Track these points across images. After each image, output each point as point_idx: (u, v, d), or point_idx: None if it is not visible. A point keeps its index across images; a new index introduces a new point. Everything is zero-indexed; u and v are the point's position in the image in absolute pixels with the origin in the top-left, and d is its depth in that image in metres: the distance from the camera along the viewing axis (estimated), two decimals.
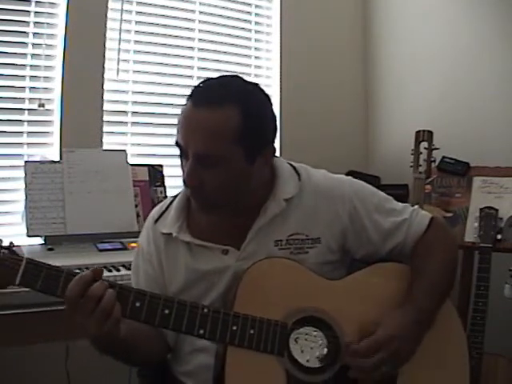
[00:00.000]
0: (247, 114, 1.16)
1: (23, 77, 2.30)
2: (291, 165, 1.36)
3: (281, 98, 2.98)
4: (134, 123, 2.59)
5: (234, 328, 1.15)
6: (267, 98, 1.25)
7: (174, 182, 2.22)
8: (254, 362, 1.16)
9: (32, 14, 2.30)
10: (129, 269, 1.66)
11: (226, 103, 1.15)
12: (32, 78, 2.32)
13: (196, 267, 1.29)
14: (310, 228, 1.30)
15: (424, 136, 2.24)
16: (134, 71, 2.59)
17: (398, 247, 1.36)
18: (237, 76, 1.27)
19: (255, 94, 1.23)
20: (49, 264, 1.11)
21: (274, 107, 1.27)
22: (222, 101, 1.15)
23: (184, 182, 1.21)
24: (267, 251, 1.27)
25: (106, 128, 2.47)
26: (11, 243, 1.12)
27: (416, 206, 1.43)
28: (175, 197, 1.37)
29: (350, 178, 1.40)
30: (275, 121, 1.26)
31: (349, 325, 1.22)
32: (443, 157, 2.36)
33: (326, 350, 1.20)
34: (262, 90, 1.25)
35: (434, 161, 2.26)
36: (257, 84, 1.26)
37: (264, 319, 1.17)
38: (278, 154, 3.08)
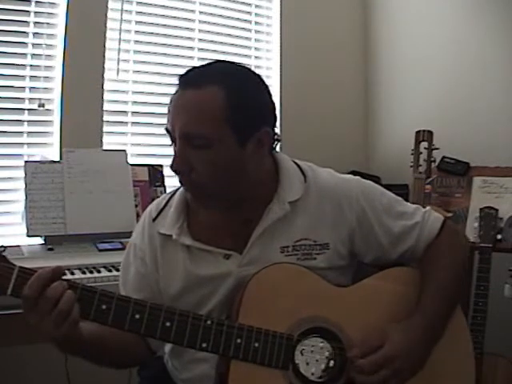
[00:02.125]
0: (231, 92, 1.12)
1: (23, 77, 2.30)
2: (296, 164, 1.30)
3: (281, 98, 2.97)
4: (134, 123, 2.59)
5: (239, 341, 1.11)
6: (259, 79, 1.20)
7: (174, 182, 2.22)
8: (257, 376, 1.12)
9: (32, 14, 2.30)
10: None
11: (210, 83, 1.13)
12: (32, 77, 2.32)
13: (196, 272, 1.23)
14: (318, 233, 1.25)
15: (424, 136, 2.24)
16: (134, 71, 2.59)
17: (409, 251, 1.30)
18: (224, 60, 1.25)
19: (242, 74, 1.19)
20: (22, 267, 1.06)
21: (269, 90, 1.21)
22: (205, 81, 1.13)
23: (171, 167, 1.16)
24: (272, 257, 1.21)
25: (105, 128, 2.47)
26: (2, 249, 1.09)
27: (428, 208, 1.37)
28: (173, 193, 1.31)
29: (358, 178, 1.34)
30: (270, 103, 1.21)
31: (357, 335, 1.17)
32: (443, 157, 2.36)
33: (332, 362, 1.16)
34: (253, 72, 1.21)
35: (434, 161, 2.26)
36: (248, 68, 1.23)
37: (269, 331, 1.13)
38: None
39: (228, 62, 1.24)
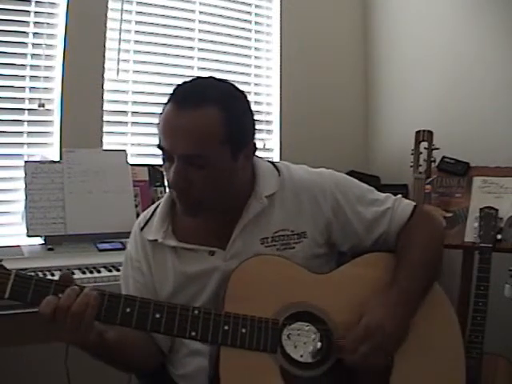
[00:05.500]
0: (227, 112, 1.17)
1: (23, 77, 2.31)
2: (271, 162, 1.37)
3: (281, 98, 2.98)
4: (134, 123, 2.59)
5: (226, 328, 1.15)
6: (243, 95, 1.26)
7: None
8: (247, 360, 1.16)
9: (32, 14, 2.30)
10: None
11: (207, 104, 1.16)
12: (32, 77, 2.32)
13: (184, 271, 1.29)
14: (295, 223, 1.30)
15: (424, 136, 2.24)
16: (134, 71, 2.59)
17: (382, 237, 1.36)
18: (211, 77, 1.27)
19: (232, 92, 1.24)
20: (37, 276, 1.12)
21: (250, 104, 1.27)
22: (202, 102, 1.16)
23: (170, 185, 1.21)
24: (253, 250, 1.27)
25: (106, 128, 2.47)
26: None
27: (399, 196, 1.43)
28: (159, 203, 1.37)
29: (331, 171, 1.40)
30: (253, 118, 1.27)
31: (340, 317, 1.22)
32: (443, 157, 2.36)
33: (319, 344, 1.20)
34: (237, 88, 1.26)
35: (434, 161, 2.26)
36: (231, 83, 1.26)
37: (255, 317, 1.18)
38: (277, 153, 3.08)
39: (214, 78, 1.26)
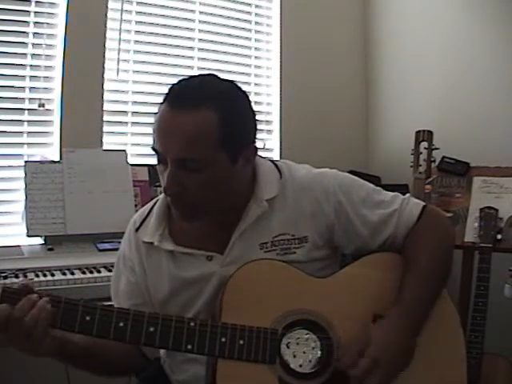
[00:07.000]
0: (225, 114, 1.11)
1: (23, 77, 2.31)
2: (273, 162, 1.31)
3: (281, 98, 2.98)
4: (134, 123, 2.59)
5: (223, 340, 1.11)
6: (245, 95, 1.20)
7: None
8: (245, 372, 1.12)
9: (32, 14, 2.30)
10: None
11: (203, 105, 1.10)
12: (32, 77, 2.32)
13: (180, 275, 1.24)
14: (296, 227, 1.25)
15: (424, 136, 2.24)
16: (134, 71, 2.60)
17: (389, 239, 1.30)
18: (212, 75, 1.22)
19: (231, 92, 1.18)
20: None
21: (252, 104, 1.21)
22: (198, 103, 1.10)
23: (164, 190, 1.16)
24: (252, 255, 1.22)
25: (106, 128, 2.47)
26: None
27: (407, 195, 1.36)
28: (155, 202, 1.32)
29: (334, 171, 1.34)
30: (255, 119, 1.21)
31: (341, 323, 1.18)
32: (443, 157, 2.35)
33: (319, 352, 1.16)
34: (239, 88, 1.20)
35: (434, 161, 2.26)
36: (233, 81, 1.21)
37: (253, 328, 1.13)
38: (277, 153, 3.08)
39: (215, 77, 1.21)
